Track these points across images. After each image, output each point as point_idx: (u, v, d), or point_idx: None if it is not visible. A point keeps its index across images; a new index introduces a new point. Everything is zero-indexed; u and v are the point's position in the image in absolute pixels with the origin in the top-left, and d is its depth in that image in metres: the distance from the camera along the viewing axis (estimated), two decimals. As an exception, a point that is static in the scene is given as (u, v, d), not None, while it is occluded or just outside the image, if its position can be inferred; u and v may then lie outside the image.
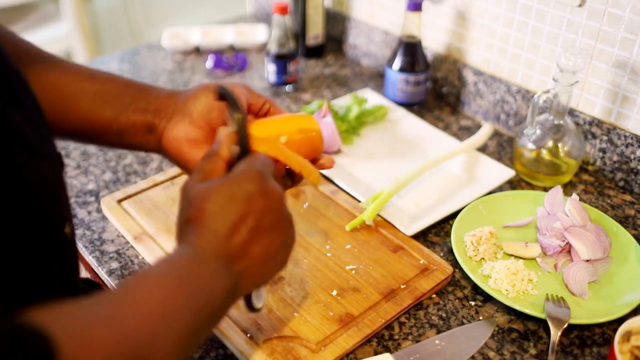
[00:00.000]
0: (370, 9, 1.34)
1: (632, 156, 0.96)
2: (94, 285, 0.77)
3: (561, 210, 0.88)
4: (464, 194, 0.96)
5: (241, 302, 0.58)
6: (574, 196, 0.90)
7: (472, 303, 0.79)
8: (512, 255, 0.85)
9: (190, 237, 0.50)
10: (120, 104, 0.63)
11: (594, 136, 1.01)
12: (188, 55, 1.42)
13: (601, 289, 0.79)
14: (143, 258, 0.84)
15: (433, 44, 1.23)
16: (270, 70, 1.25)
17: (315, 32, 1.38)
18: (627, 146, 0.97)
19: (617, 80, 0.95)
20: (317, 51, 1.41)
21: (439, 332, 0.75)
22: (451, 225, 0.89)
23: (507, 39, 1.09)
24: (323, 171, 0.99)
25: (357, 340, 0.71)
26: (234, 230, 0.50)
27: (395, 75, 1.17)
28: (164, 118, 0.64)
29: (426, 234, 0.90)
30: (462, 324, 0.76)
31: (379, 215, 0.90)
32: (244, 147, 0.56)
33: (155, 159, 1.05)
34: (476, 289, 0.81)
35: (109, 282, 0.81)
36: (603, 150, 1.00)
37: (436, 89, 1.25)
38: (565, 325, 0.72)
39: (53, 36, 2.52)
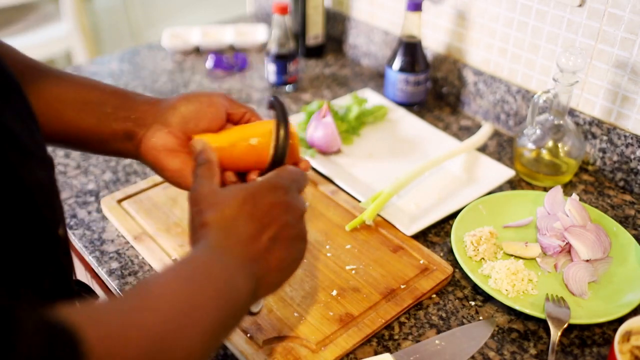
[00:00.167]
0: (370, 9, 1.34)
1: (632, 156, 0.96)
2: (87, 288, 0.78)
3: (561, 210, 0.88)
4: (464, 194, 0.96)
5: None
6: (574, 196, 0.90)
7: (472, 303, 0.79)
8: (512, 255, 0.85)
9: (211, 239, 0.51)
10: (102, 113, 0.65)
11: (594, 136, 1.01)
12: (188, 55, 1.42)
13: (601, 289, 0.79)
14: (143, 258, 0.84)
15: (433, 44, 1.23)
16: (270, 70, 1.25)
17: (315, 32, 1.38)
18: (627, 146, 0.97)
19: (617, 80, 0.95)
20: (317, 51, 1.41)
21: (439, 332, 0.75)
22: (451, 225, 0.89)
23: (507, 39, 1.09)
24: (323, 171, 0.99)
25: (357, 340, 0.71)
26: (256, 237, 0.52)
27: (395, 75, 1.17)
28: (143, 127, 0.65)
29: (426, 234, 0.90)
30: (462, 324, 0.76)
31: (379, 215, 0.90)
32: (278, 157, 0.61)
33: (155, 159, 1.05)
34: (476, 289, 0.81)
35: (109, 282, 0.81)
36: (603, 150, 1.00)
37: (436, 89, 1.25)
38: (565, 325, 0.72)
39: (53, 36, 2.52)
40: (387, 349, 0.72)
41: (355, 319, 0.74)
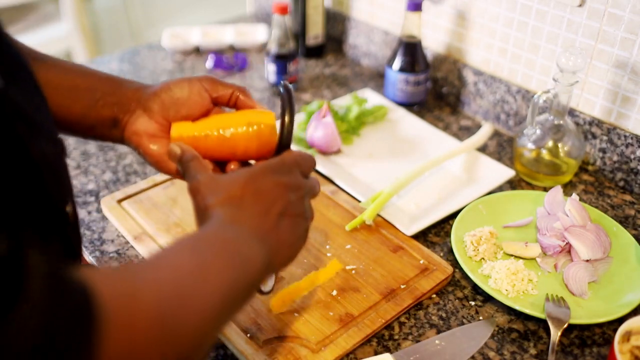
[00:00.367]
0: (370, 9, 1.34)
1: (632, 156, 0.96)
2: None
3: (561, 210, 0.88)
4: (464, 194, 0.96)
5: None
6: (574, 196, 0.90)
7: (472, 303, 0.79)
8: (512, 255, 0.85)
9: (220, 216, 0.53)
10: (91, 99, 0.66)
11: (594, 136, 1.01)
12: (188, 55, 1.42)
13: (601, 289, 0.79)
14: (143, 258, 0.84)
15: (433, 44, 1.23)
16: (270, 70, 1.25)
17: (315, 32, 1.38)
18: (627, 146, 0.97)
19: (617, 80, 0.95)
20: (317, 51, 1.41)
21: (439, 332, 0.75)
22: (451, 225, 0.89)
23: (507, 39, 1.09)
24: (323, 171, 0.99)
25: (357, 340, 0.71)
26: (264, 213, 0.54)
27: (395, 75, 1.17)
28: (127, 113, 0.66)
29: (426, 234, 0.90)
30: (462, 324, 0.76)
31: (379, 215, 0.90)
32: (283, 143, 0.63)
33: (155, 159, 1.05)
34: (476, 289, 0.81)
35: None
36: (603, 150, 1.00)
37: (436, 89, 1.25)
38: (565, 325, 0.72)
39: (53, 36, 2.52)
40: (387, 349, 0.72)
41: (355, 319, 0.74)
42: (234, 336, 0.71)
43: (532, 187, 1.00)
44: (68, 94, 0.66)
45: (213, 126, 0.65)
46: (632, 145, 0.96)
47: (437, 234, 0.90)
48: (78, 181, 0.99)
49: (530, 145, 0.98)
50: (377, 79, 1.33)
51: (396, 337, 0.74)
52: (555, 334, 0.71)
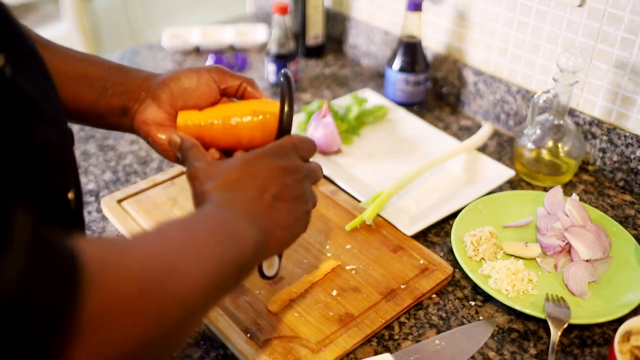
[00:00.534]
0: (370, 9, 1.34)
1: (632, 156, 0.96)
2: None
3: (561, 210, 0.88)
4: (464, 194, 0.96)
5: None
6: (574, 196, 0.90)
7: (472, 303, 0.79)
8: (512, 255, 0.85)
9: (215, 200, 0.53)
10: (102, 88, 0.66)
11: (594, 136, 1.01)
12: (188, 55, 1.42)
13: (601, 289, 0.79)
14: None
15: (433, 44, 1.23)
16: (270, 70, 1.25)
17: (315, 32, 1.38)
18: (627, 146, 0.97)
19: (617, 80, 0.95)
20: (317, 51, 1.41)
21: (439, 332, 0.75)
22: (451, 225, 0.89)
23: (507, 39, 1.09)
24: (323, 171, 0.99)
25: (357, 340, 0.71)
26: (259, 196, 0.54)
27: (395, 75, 1.17)
28: (137, 101, 0.67)
29: (426, 234, 0.90)
30: (462, 324, 0.76)
31: (379, 215, 0.90)
32: (283, 129, 0.63)
33: (155, 158, 1.05)
34: (476, 289, 0.81)
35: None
36: (603, 150, 1.00)
37: (436, 89, 1.25)
38: (565, 325, 0.72)
39: (53, 36, 2.50)
40: (387, 349, 0.72)
41: (355, 319, 0.74)
42: (234, 336, 0.71)
43: (532, 187, 1.00)
44: (79, 83, 0.66)
45: (219, 115, 0.66)
46: (632, 145, 0.96)
47: (437, 234, 0.90)
48: (78, 181, 0.99)
49: (530, 145, 0.98)
50: (377, 79, 1.33)
51: (396, 337, 0.74)
52: (555, 334, 0.71)
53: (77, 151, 1.06)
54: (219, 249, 0.47)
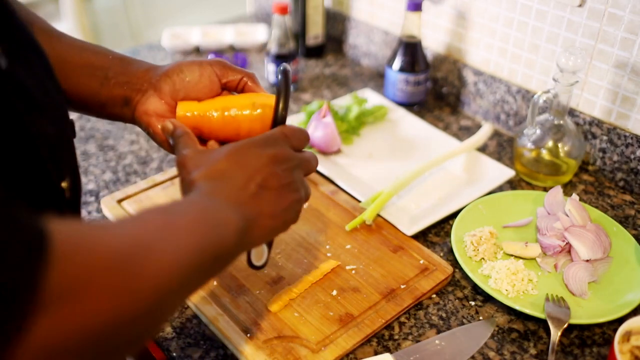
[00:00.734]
0: (370, 9, 1.34)
1: (632, 156, 0.96)
2: None
3: (561, 210, 0.88)
4: (464, 194, 0.96)
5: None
6: (574, 196, 0.90)
7: (472, 303, 0.79)
8: (512, 255, 0.85)
9: (200, 190, 0.53)
10: (103, 77, 0.67)
11: (594, 136, 1.01)
12: (188, 55, 1.42)
13: (601, 289, 0.79)
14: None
15: (433, 44, 1.23)
16: (270, 70, 1.25)
17: (315, 32, 1.38)
18: (627, 146, 0.97)
19: (617, 80, 0.95)
20: (317, 51, 1.41)
21: (439, 332, 0.75)
22: (451, 225, 0.89)
23: (507, 39, 1.09)
24: (323, 171, 0.99)
25: (357, 340, 0.71)
26: (245, 185, 0.54)
27: (395, 75, 1.17)
28: (139, 92, 0.67)
29: (426, 234, 0.90)
30: (462, 324, 0.76)
31: (379, 215, 0.90)
32: (278, 121, 0.63)
33: (156, 158, 1.05)
34: (476, 289, 0.81)
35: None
36: (603, 150, 1.00)
37: (436, 89, 1.25)
38: (565, 325, 0.72)
39: (53, 36, 2.52)
40: (387, 349, 0.72)
41: (355, 319, 0.74)
42: (234, 336, 0.71)
43: (532, 187, 1.00)
44: (81, 72, 0.67)
45: (218, 106, 0.66)
46: (632, 145, 0.96)
47: (437, 234, 0.90)
48: (78, 181, 0.99)
49: (530, 145, 0.98)
50: (377, 79, 1.33)
51: (396, 337, 0.74)
52: (555, 334, 0.71)
53: (77, 151, 1.06)
54: (197, 232, 0.47)
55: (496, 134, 1.14)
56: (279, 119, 0.63)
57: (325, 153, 1.05)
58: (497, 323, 0.76)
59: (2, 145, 0.43)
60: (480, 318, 0.77)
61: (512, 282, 0.78)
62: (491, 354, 0.72)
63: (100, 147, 1.08)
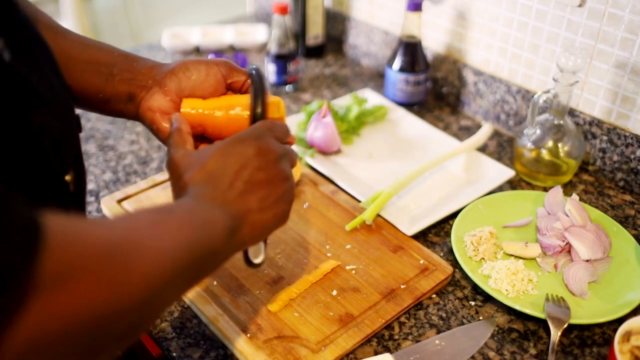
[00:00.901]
0: (370, 9, 1.34)
1: (632, 156, 0.96)
2: None
3: (561, 210, 0.88)
4: (464, 194, 0.96)
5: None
6: (574, 196, 0.90)
7: (472, 303, 0.79)
8: (512, 255, 0.85)
9: (190, 194, 0.54)
10: (108, 74, 0.67)
11: (594, 136, 1.01)
12: (188, 55, 1.42)
13: (601, 289, 0.79)
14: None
15: (433, 44, 1.23)
16: (270, 70, 1.25)
17: (315, 32, 1.38)
18: (627, 146, 0.97)
19: (617, 80, 0.95)
20: (317, 51, 1.41)
21: (439, 332, 0.75)
22: (451, 225, 0.89)
23: (507, 39, 1.09)
24: (323, 171, 0.99)
25: (357, 340, 0.71)
26: (231, 183, 0.55)
27: (395, 75, 1.17)
28: (144, 89, 0.67)
29: (426, 234, 0.90)
30: (462, 324, 0.76)
31: (379, 215, 0.90)
32: (255, 118, 0.63)
33: (156, 158, 1.05)
34: (476, 289, 0.81)
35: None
36: (603, 150, 1.00)
37: (436, 89, 1.25)
38: (565, 325, 0.72)
39: (53, 36, 2.52)
40: (387, 349, 0.72)
41: (355, 319, 0.74)
42: (234, 336, 0.71)
43: (532, 187, 1.00)
44: (86, 68, 0.67)
45: (222, 105, 0.66)
46: (632, 145, 0.96)
47: (437, 234, 0.90)
48: (78, 181, 0.99)
49: (530, 145, 0.98)
50: (377, 79, 1.33)
51: (396, 337, 0.74)
52: (555, 334, 0.71)
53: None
54: (185, 230, 0.48)
55: (496, 134, 1.14)
56: (257, 116, 0.63)
57: (325, 153, 1.05)
58: (497, 323, 0.76)
59: (2, 138, 0.44)
60: (480, 318, 0.77)
61: (512, 282, 0.78)
62: (491, 354, 0.72)
63: (100, 147, 1.08)
